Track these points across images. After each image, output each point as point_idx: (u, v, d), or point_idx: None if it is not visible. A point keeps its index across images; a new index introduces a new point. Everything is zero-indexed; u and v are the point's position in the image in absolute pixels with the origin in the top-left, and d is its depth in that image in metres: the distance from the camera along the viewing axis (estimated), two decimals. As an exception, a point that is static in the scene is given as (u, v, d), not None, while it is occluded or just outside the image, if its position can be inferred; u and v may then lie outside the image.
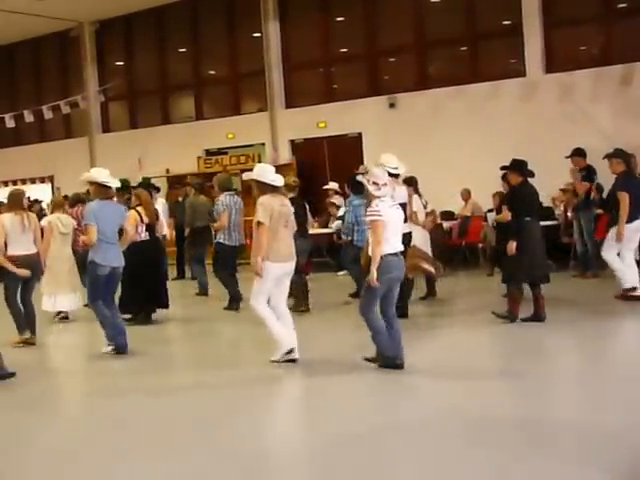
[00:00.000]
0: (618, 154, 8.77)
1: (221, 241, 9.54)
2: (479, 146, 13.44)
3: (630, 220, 8.46)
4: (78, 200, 10.13)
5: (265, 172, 6.51)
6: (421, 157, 14.02)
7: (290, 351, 6.48)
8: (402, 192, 8.30)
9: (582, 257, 10.68)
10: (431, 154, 14.10)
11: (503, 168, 8.13)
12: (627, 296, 8.47)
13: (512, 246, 7.59)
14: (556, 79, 13.44)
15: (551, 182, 11.68)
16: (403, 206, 8.08)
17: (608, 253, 8.67)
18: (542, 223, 11.49)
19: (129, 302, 8.79)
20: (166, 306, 9.26)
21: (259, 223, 6.32)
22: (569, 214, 11.20)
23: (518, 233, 7.64)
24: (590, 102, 12.98)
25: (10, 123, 17.45)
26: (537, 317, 7.67)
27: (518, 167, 7.86)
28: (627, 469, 4.00)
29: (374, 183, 6.00)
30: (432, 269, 8.54)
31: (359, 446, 4.53)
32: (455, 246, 12.43)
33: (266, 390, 6.02)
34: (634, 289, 8.49)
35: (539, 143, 12.95)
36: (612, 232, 8.66)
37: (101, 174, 7.40)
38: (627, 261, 8.61)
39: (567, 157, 10.81)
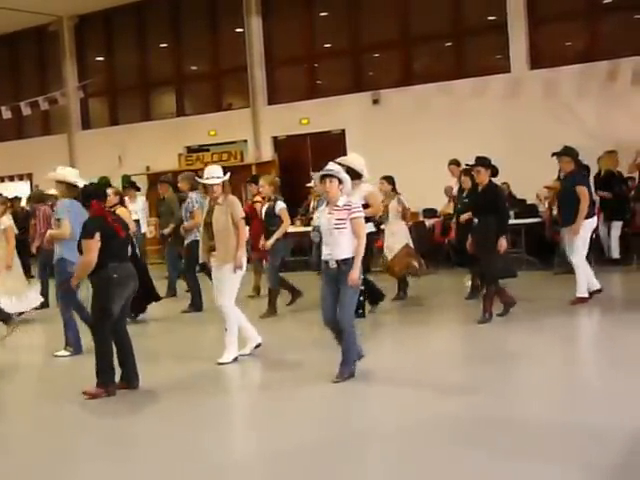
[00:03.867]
0: (567, 152, 8.56)
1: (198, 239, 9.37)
2: (464, 143, 13.29)
3: (587, 217, 8.31)
4: (43, 199, 9.89)
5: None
6: (405, 154, 13.92)
7: (235, 359, 6.66)
8: (367, 191, 8.21)
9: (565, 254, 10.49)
10: (415, 151, 13.98)
11: (487, 165, 7.92)
12: (579, 301, 8.37)
13: (503, 243, 7.60)
14: (541, 75, 13.37)
15: (536, 178, 11.58)
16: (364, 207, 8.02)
17: (577, 257, 8.39)
18: (527, 220, 11.57)
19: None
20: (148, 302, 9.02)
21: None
22: (554, 210, 11.07)
23: (505, 230, 7.73)
24: (575, 98, 12.91)
25: (-12, 119, 17.16)
26: (508, 309, 7.89)
27: (489, 164, 7.82)
28: (608, 467, 3.95)
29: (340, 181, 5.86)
30: (418, 266, 9.12)
31: (317, 455, 4.39)
32: (438, 244, 12.28)
33: (223, 396, 5.99)
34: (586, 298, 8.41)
35: (524, 139, 12.88)
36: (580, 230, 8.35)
37: (72, 174, 7.47)
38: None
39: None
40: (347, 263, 5.70)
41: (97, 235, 5.69)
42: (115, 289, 5.76)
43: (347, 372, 5.81)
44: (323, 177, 5.85)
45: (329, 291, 5.81)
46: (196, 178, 7.13)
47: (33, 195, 10.10)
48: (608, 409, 4.86)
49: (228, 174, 6.77)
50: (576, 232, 8.24)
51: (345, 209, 5.74)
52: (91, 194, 6.00)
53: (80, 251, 5.91)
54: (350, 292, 5.75)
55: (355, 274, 5.65)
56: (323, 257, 5.86)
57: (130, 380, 5.93)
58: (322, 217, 5.92)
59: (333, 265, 5.74)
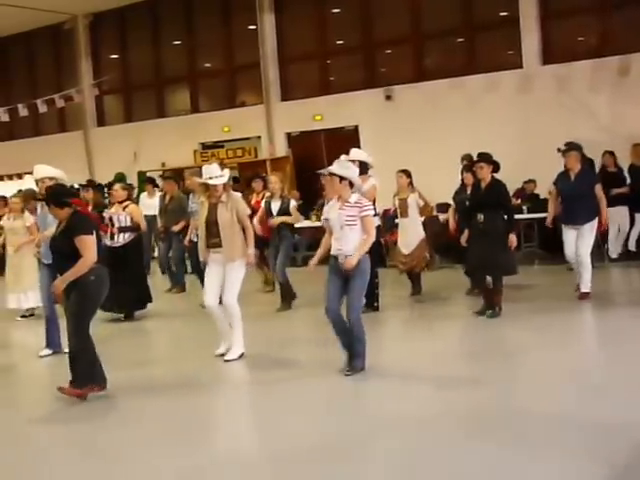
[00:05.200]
0: (575, 148, 8.47)
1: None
2: (476, 138, 13.37)
3: (595, 216, 8.39)
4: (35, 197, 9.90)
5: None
6: (418, 149, 14.00)
7: (242, 355, 6.71)
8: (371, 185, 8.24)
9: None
10: (428, 146, 14.06)
11: (489, 161, 7.97)
12: (586, 296, 8.42)
13: (513, 239, 7.74)
14: (553, 70, 13.41)
15: (548, 174, 11.62)
16: None
17: (587, 252, 8.41)
18: (540, 215, 11.65)
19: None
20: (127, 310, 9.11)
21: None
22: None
23: (514, 226, 7.90)
24: (587, 93, 12.94)
25: (4, 117, 17.32)
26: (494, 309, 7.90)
27: (491, 160, 7.88)
28: (623, 462, 3.97)
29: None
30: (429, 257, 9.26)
31: (326, 451, 4.40)
32: (452, 238, 12.34)
33: (223, 394, 5.98)
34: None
35: (536, 135, 12.93)
36: (589, 229, 8.40)
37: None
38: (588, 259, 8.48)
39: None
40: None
41: (94, 232, 5.58)
42: (100, 290, 5.67)
43: (359, 364, 5.89)
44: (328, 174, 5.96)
45: (334, 284, 5.88)
46: (195, 178, 7.08)
47: (24, 194, 10.01)
48: (618, 404, 4.85)
49: (227, 171, 6.74)
50: (604, 227, 8.56)
51: (356, 206, 5.84)
52: (69, 193, 5.83)
53: (54, 251, 5.77)
54: (357, 287, 5.82)
55: (354, 260, 5.74)
56: (332, 252, 5.92)
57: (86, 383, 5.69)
58: (332, 212, 5.95)
59: (342, 260, 5.82)
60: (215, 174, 6.56)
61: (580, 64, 13.16)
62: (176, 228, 10.49)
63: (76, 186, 10.40)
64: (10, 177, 18.63)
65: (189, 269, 11.38)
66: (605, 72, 12.88)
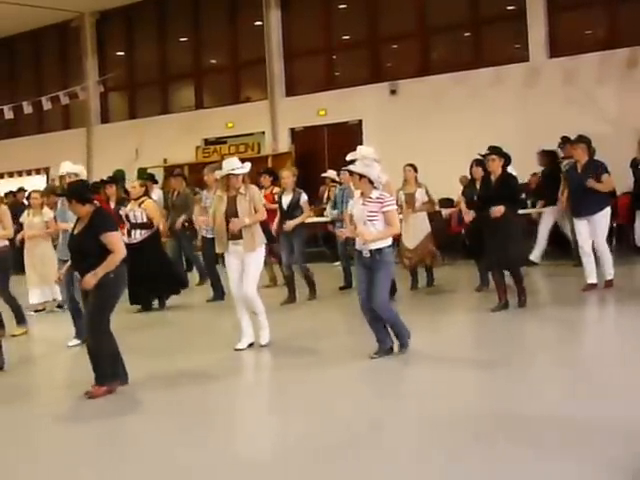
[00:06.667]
0: (583, 140, 8.52)
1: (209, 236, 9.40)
2: (482, 133, 13.19)
3: (608, 204, 8.45)
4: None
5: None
6: (422, 144, 13.84)
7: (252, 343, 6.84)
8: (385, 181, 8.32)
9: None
10: (432, 141, 13.90)
11: (501, 154, 7.89)
12: (610, 285, 8.42)
13: (500, 209, 7.53)
14: (560, 64, 13.24)
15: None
16: None
17: (603, 241, 8.42)
18: (544, 209, 11.42)
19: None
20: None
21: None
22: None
23: (514, 211, 7.80)
24: (595, 86, 12.75)
25: (9, 114, 17.34)
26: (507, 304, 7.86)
27: (503, 153, 7.80)
28: (631, 468, 3.71)
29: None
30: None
31: (346, 445, 4.30)
32: (454, 234, 12.17)
33: (253, 382, 6.07)
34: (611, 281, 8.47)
35: (543, 128, 12.71)
36: (601, 218, 8.39)
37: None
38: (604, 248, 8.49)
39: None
40: (380, 252, 5.93)
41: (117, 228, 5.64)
42: (120, 286, 5.67)
43: (404, 343, 6.16)
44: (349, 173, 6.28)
45: (362, 277, 6.06)
46: (217, 171, 7.09)
47: (45, 189, 10.08)
48: (629, 404, 4.64)
49: (248, 164, 6.84)
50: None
51: (377, 202, 5.95)
52: (91, 189, 5.88)
53: (73, 250, 5.69)
54: (382, 278, 5.95)
55: (368, 235, 5.86)
56: (357, 246, 6.07)
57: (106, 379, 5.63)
58: (356, 207, 6.09)
59: (366, 255, 5.95)
60: (237, 166, 6.70)
61: (587, 57, 12.97)
62: (178, 224, 10.51)
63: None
64: (11, 174, 18.63)
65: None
66: (613, 65, 12.70)
